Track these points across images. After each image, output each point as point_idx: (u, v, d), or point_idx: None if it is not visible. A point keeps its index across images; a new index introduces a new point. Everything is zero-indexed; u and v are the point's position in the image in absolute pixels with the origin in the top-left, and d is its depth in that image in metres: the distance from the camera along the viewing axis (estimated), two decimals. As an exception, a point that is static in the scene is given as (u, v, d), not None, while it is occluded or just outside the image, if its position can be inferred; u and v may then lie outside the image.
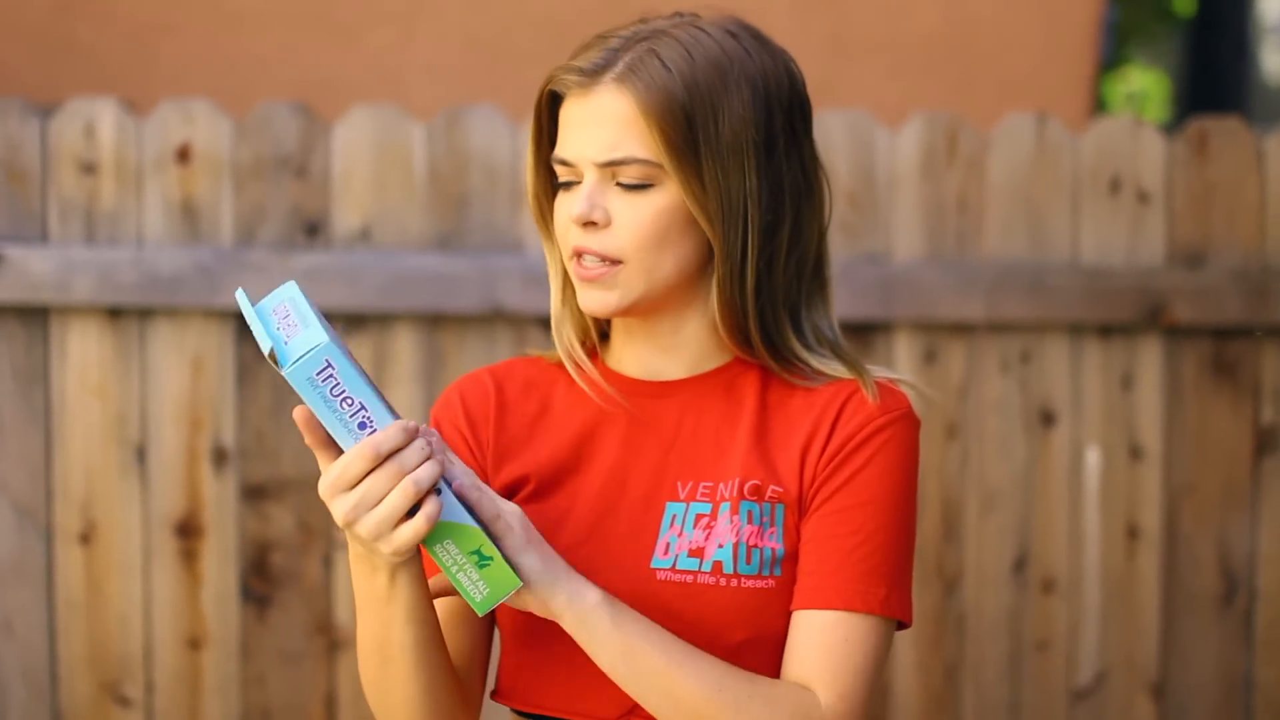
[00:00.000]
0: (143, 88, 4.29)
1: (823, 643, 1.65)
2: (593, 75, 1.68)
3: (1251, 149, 3.19)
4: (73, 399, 3.11)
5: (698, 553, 1.69)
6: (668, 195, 1.68)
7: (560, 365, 1.84)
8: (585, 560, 1.70)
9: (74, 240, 3.10)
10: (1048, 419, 3.18)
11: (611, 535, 1.72)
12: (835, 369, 1.76)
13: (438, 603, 1.76)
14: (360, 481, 1.50)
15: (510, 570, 1.56)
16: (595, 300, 1.71)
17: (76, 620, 3.13)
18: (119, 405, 3.11)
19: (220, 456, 3.12)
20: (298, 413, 1.52)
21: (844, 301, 3.08)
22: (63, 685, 3.13)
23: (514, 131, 3.12)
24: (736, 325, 1.72)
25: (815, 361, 1.76)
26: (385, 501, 1.50)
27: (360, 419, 1.51)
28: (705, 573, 1.68)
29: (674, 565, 1.69)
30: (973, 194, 3.16)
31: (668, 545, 1.70)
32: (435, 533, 1.55)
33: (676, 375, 1.78)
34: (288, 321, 1.54)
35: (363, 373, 1.55)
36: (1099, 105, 6.70)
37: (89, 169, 3.09)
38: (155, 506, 3.12)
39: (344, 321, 3.10)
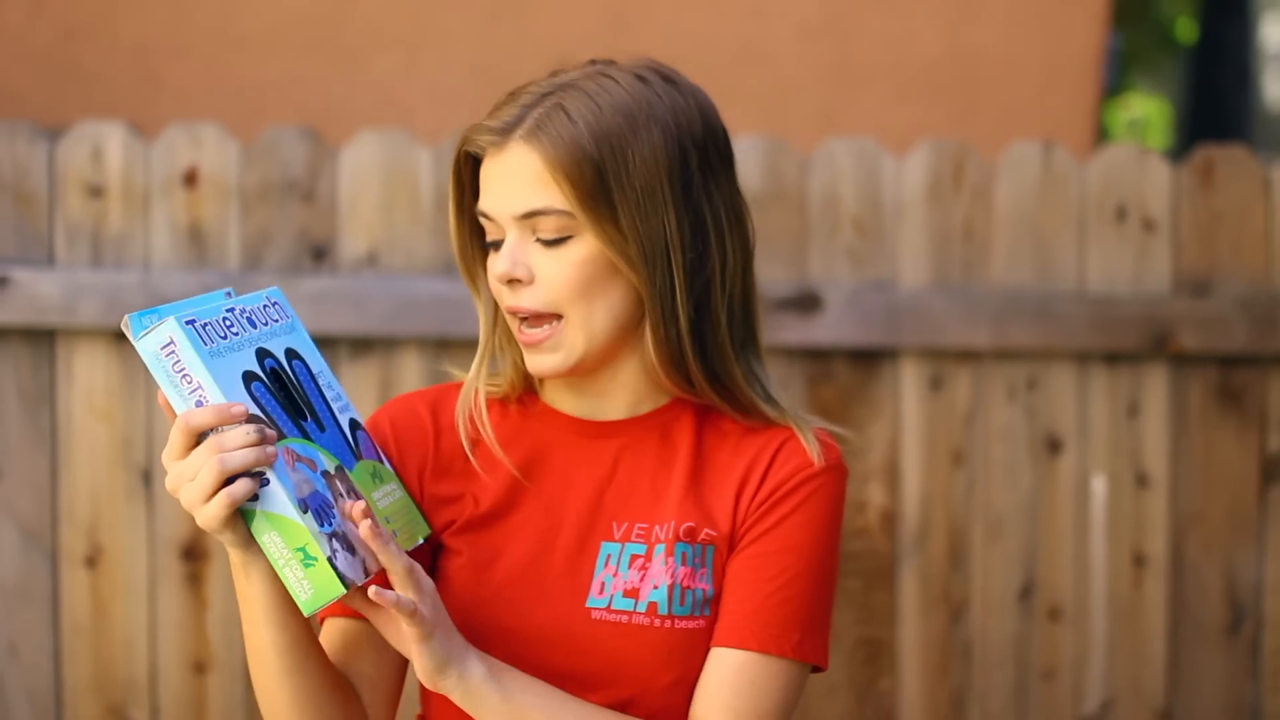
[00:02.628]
0: (148, 112, 4.30)
1: (731, 682, 1.67)
2: (503, 133, 1.69)
3: (1258, 178, 3.19)
4: (79, 422, 3.11)
5: (633, 593, 1.70)
6: (586, 246, 1.68)
7: (495, 398, 1.84)
8: (519, 599, 1.72)
9: (81, 263, 3.10)
10: (1054, 446, 3.18)
11: (546, 574, 1.73)
12: (773, 410, 1.77)
13: (336, 624, 1.76)
14: (185, 455, 1.55)
15: (335, 576, 1.55)
16: (541, 363, 1.72)
17: (82, 643, 3.12)
18: (125, 428, 3.11)
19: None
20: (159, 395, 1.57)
21: (850, 328, 3.09)
22: (68, 709, 3.13)
23: (521, 157, 3.13)
24: (675, 365, 1.73)
25: (758, 399, 1.77)
26: (198, 478, 1.53)
27: (197, 397, 1.54)
28: (640, 613, 1.69)
29: (609, 605, 1.70)
30: (979, 222, 3.16)
31: (603, 585, 1.71)
32: (261, 522, 1.55)
33: (614, 416, 1.79)
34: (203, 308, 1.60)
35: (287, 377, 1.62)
36: (1102, 132, 6.71)
37: (96, 192, 3.10)
38: (161, 530, 3.11)
39: (350, 346, 3.10)
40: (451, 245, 1.80)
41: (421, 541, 1.72)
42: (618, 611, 1.69)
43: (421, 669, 1.59)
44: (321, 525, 1.56)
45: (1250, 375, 3.19)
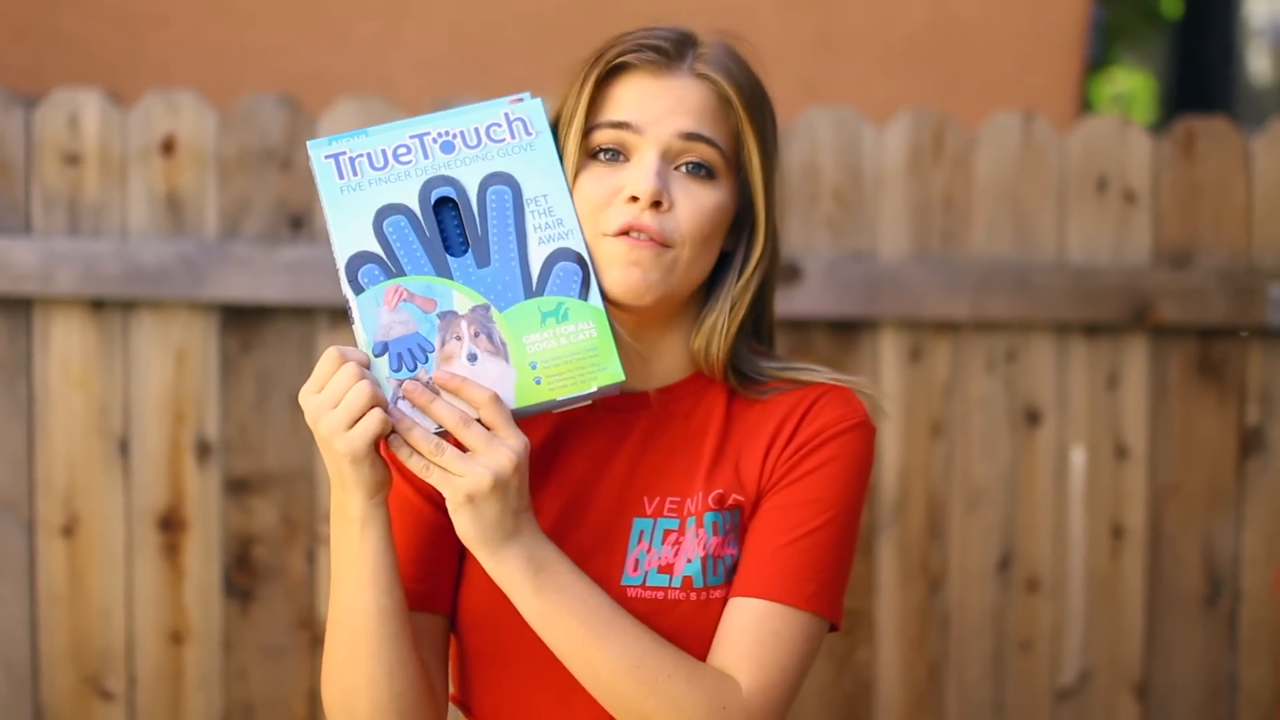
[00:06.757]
0: (129, 79, 4.27)
1: (753, 633, 1.66)
2: (675, 57, 1.70)
3: (1239, 149, 3.19)
4: (55, 391, 3.09)
5: (667, 569, 1.70)
6: (724, 193, 1.71)
7: None
8: None
9: (57, 232, 3.08)
10: (1033, 418, 3.17)
11: (579, 550, 1.72)
12: (795, 374, 1.77)
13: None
14: (328, 383, 1.56)
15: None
16: (635, 279, 1.67)
17: (58, 613, 3.12)
18: (102, 397, 3.10)
19: (203, 450, 3.10)
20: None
21: (829, 299, 3.08)
22: (44, 678, 3.12)
23: (501, 126, 3.11)
24: (712, 341, 1.74)
25: (775, 369, 1.77)
26: (344, 400, 1.53)
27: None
28: (675, 588, 1.69)
29: (644, 582, 1.70)
30: (959, 192, 3.16)
31: (636, 561, 1.71)
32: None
33: (644, 387, 1.78)
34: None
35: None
36: (1085, 106, 6.70)
37: (73, 160, 3.08)
38: (138, 500, 3.10)
39: (329, 315, 3.09)
40: (567, 158, 1.71)
41: (595, 390, 1.63)
42: (653, 588, 1.69)
43: (459, 532, 1.59)
44: (397, 369, 1.57)
45: (1229, 347, 3.19)
